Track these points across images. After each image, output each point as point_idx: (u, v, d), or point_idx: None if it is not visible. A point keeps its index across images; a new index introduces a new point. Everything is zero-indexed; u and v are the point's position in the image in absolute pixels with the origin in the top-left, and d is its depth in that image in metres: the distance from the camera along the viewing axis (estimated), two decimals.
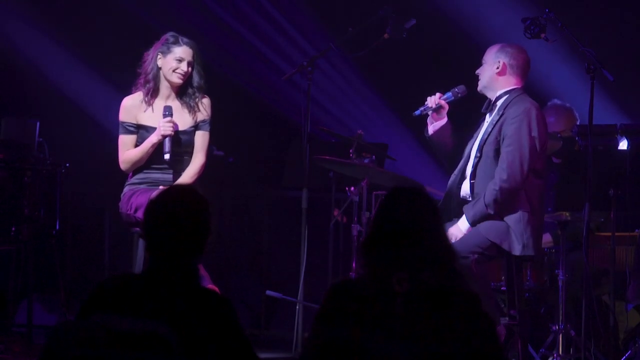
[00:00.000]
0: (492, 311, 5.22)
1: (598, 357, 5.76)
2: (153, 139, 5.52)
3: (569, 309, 6.06)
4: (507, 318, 5.41)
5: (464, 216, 5.30)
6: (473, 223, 5.26)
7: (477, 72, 5.50)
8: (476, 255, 5.16)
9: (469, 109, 5.68)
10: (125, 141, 5.63)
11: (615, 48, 7.43)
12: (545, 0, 6.23)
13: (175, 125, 5.52)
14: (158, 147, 5.54)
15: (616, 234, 5.95)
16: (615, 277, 5.96)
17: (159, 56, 5.58)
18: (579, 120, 6.65)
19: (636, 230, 6.20)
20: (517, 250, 5.24)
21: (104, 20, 8.15)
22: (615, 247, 5.93)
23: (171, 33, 5.63)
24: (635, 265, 6.12)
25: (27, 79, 8.14)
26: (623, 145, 6.19)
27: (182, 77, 5.56)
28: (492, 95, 5.47)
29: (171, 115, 5.52)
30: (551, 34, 5.61)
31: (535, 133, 5.27)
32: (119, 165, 5.72)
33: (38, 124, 6.98)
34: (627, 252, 6.20)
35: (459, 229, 5.28)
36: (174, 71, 5.55)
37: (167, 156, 5.49)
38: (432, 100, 5.50)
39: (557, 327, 5.82)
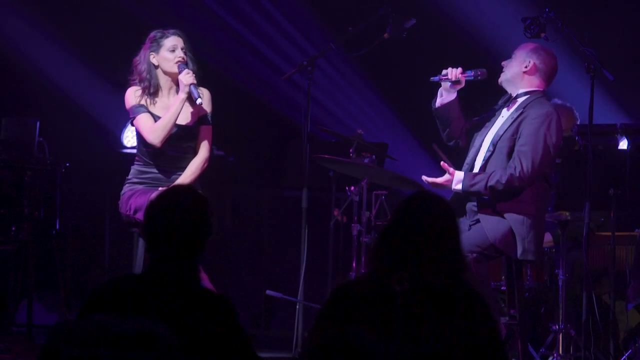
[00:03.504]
0: (493, 311, 5.22)
1: (598, 357, 5.75)
2: (180, 95, 5.45)
3: (569, 309, 6.06)
4: (507, 318, 5.40)
5: (461, 175, 5.28)
6: (464, 192, 5.27)
7: (503, 63, 5.47)
8: (475, 255, 5.16)
9: (485, 94, 5.69)
10: (145, 119, 5.50)
11: (615, 48, 7.43)
12: (545, 0, 6.23)
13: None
14: (168, 139, 5.49)
15: (616, 233, 5.95)
16: (615, 277, 5.96)
17: (151, 55, 5.56)
18: (579, 120, 6.65)
19: (636, 230, 6.20)
20: (517, 254, 5.25)
21: (104, 20, 8.16)
22: (615, 247, 5.93)
23: (156, 30, 5.62)
24: (635, 265, 6.12)
25: (27, 79, 8.14)
26: (623, 144, 6.19)
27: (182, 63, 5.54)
28: (512, 91, 5.46)
29: (188, 67, 5.52)
30: (551, 34, 5.61)
31: (552, 138, 5.27)
32: (142, 147, 5.54)
33: (38, 123, 6.98)
34: (627, 251, 6.20)
35: (447, 182, 5.28)
36: (174, 63, 5.54)
37: (199, 100, 5.46)
38: (452, 74, 5.44)
39: (557, 327, 5.82)
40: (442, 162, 5.34)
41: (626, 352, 5.94)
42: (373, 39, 6.04)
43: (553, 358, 5.79)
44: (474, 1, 7.97)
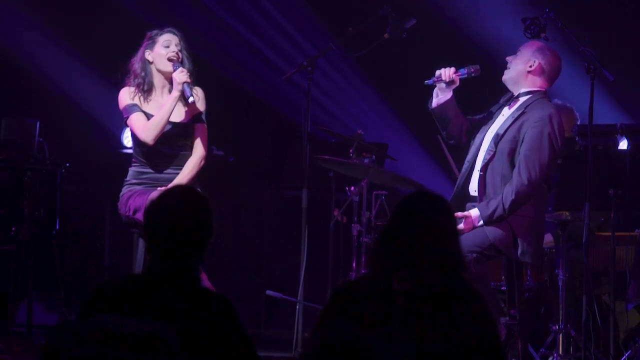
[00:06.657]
0: (493, 311, 5.21)
1: (598, 357, 5.75)
2: (174, 93, 5.44)
3: (569, 309, 6.06)
4: (507, 318, 5.40)
5: (476, 211, 5.26)
6: (487, 223, 5.24)
7: (507, 58, 5.47)
8: (475, 255, 5.16)
9: (484, 90, 5.69)
10: (138, 117, 5.51)
11: (615, 48, 7.43)
12: (545, 0, 6.23)
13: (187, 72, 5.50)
14: (162, 138, 5.49)
15: (616, 233, 5.95)
16: (615, 277, 5.96)
17: (147, 52, 5.58)
18: (579, 120, 6.65)
19: (636, 230, 6.19)
20: (516, 255, 5.24)
21: (104, 20, 8.15)
22: (615, 247, 5.93)
23: (153, 30, 5.64)
24: (635, 265, 6.12)
25: (27, 79, 8.14)
26: (623, 145, 6.19)
27: (175, 59, 5.54)
28: (515, 90, 5.45)
29: (183, 65, 5.52)
30: (551, 34, 5.61)
31: (557, 139, 5.27)
32: (137, 148, 5.56)
33: (38, 124, 6.98)
34: (627, 252, 6.20)
35: (468, 225, 5.24)
36: (167, 59, 5.54)
37: (191, 99, 5.46)
38: (446, 74, 5.42)
39: (557, 327, 5.81)
40: (456, 214, 5.18)
41: (626, 352, 5.94)
42: (373, 39, 6.04)
43: (553, 358, 5.78)
44: (474, 1, 7.97)
